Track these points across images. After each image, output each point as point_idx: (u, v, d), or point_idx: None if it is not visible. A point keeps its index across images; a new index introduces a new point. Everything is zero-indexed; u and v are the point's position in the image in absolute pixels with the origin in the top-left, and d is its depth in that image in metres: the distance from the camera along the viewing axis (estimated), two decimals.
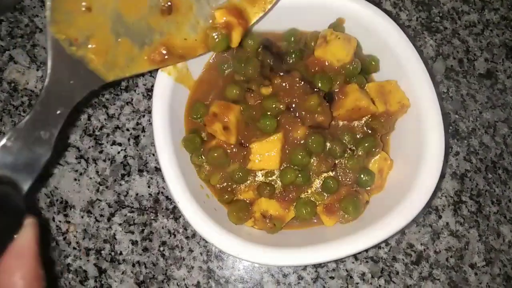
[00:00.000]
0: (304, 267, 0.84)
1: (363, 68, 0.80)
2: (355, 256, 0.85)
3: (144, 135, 0.93)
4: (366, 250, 0.87)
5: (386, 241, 0.86)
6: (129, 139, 0.91)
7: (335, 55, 0.78)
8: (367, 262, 0.86)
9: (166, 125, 0.74)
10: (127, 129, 0.91)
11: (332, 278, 0.85)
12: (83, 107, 0.91)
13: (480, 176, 0.93)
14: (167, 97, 0.75)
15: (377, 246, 0.86)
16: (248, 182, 0.75)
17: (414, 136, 0.75)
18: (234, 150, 0.76)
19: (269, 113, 0.75)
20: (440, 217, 0.89)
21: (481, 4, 1.06)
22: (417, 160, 0.73)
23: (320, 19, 0.81)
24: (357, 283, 0.84)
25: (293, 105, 0.75)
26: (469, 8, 1.03)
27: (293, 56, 0.80)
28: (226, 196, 0.74)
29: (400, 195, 0.72)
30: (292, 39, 0.83)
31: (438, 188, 0.92)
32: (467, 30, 1.03)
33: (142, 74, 0.97)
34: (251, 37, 0.80)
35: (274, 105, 0.74)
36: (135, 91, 0.96)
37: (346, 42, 0.78)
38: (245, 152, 0.75)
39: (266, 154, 0.74)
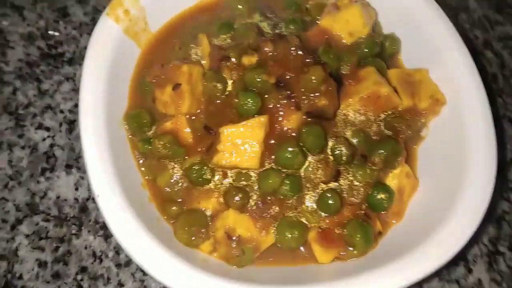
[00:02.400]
0: None
1: (381, 50, 0.68)
2: None
3: None
4: None
5: None
6: (61, 124, 0.81)
7: (347, 25, 0.65)
8: None
9: (100, 88, 0.59)
10: (61, 111, 0.82)
11: None
12: (9, 77, 0.83)
13: None
14: (110, 50, 0.61)
15: None
16: (211, 185, 0.61)
17: (451, 147, 0.63)
18: (196, 137, 0.60)
19: (252, 89, 0.59)
20: (470, 270, 0.75)
21: None
22: (455, 181, 0.60)
23: None
24: None
25: (286, 80, 0.59)
26: (503, 19, 0.97)
27: (294, 25, 0.67)
28: (174, 208, 0.60)
29: (426, 229, 0.58)
30: (294, 8, 0.71)
31: None
32: (501, 42, 0.94)
33: None
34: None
35: (259, 78, 0.59)
36: (80, 65, 0.81)
37: (364, 10, 0.65)
38: (212, 143, 0.59)
39: (241, 145, 0.57)
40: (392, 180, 0.63)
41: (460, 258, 0.76)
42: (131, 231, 0.53)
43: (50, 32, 0.87)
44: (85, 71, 0.60)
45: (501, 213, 0.79)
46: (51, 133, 0.79)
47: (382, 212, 0.62)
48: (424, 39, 0.67)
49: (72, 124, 0.79)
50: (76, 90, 0.82)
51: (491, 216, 0.79)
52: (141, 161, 0.63)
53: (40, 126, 0.79)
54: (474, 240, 0.77)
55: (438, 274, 0.74)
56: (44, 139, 0.79)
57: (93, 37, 0.62)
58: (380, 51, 0.68)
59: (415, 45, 0.69)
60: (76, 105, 0.80)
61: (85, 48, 0.79)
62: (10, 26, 0.86)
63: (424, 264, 0.55)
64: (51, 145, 0.78)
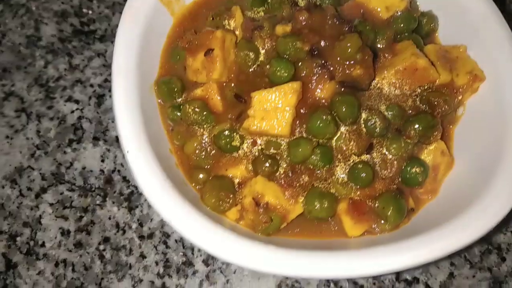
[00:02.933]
0: None
1: (418, 27, 0.66)
2: None
3: (110, 96, 0.77)
4: None
5: (426, 283, 0.70)
6: (90, 98, 0.81)
7: (384, 0, 0.63)
8: None
9: (133, 51, 0.59)
10: (91, 85, 0.82)
11: None
12: (41, 51, 0.84)
13: None
14: (143, 16, 0.61)
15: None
16: (240, 152, 0.60)
17: (490, 126, 0.60)
18: (226, 104, 0.59)
19: (286, 56, 0.58)
20: (503, 259, 0.73)
21: None
22: (492, 162, 0.58)
23: None
24: None
25: (321, 48, 0.57)
26: None
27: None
28: (201, 175, 0.59)
29: (458, 207, 0.57)
30: None
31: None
32: None
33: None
34: None
35: (293, 45, 0.58)
36: (112, 42, 0.85)
37: None
38: (242, 111, 0.58)
39: (273, 111, 0.56)
40: (427, 156, 0.61)
41: (493, 246, 0.74)
42: (159, 187, 0.52)
43: (84, 10, 0.88)
44: (119, 33, 0.60)
45: None
46: (80, 106, 0.79)
47: (416, 188, 0.60)
48: (462, 16, 0.65)
49: (101, 98, 0.80)
50: (106, 66, 0.82)
51: None
52: (170, 127, 0.62)
53: (69, 99, 0.80)
54: (508, 227, 0.75)
55: (470, 261, 0.72)
56: (72, 112, 0.79)
57: (128, 2, 0.61)
58: (417, 27, 0.65)
59: (453, 23, 0.67)
60: (106, 80, 0.81)
61: (117, 26, 0.80)
62: (45, 3, 0.87)
63: (453, 239, 0.53)
64: (79, 118, 0.78)
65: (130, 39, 0.59)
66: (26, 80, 0.80)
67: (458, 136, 0.66)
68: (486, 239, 0.74)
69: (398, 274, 0.71)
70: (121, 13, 0.82)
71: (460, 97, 0.62)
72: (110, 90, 0.81)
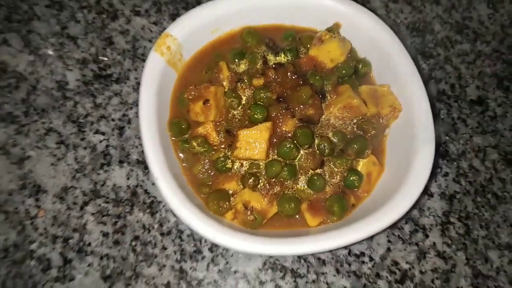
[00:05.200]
0: (283, 276, 0.81)
1: (356, 71, 0.81)
2: (337, 269, 0.82)
3: (129, 127, 0.91)
4: (349, 264, 0.83)
5: (370, 256, 0.84)
6: (113, 129, 0.90)
7: (329, 54, 0.79)
8: (349, 276, 0.82)
9: (152, 104, 0.73)
10: (113, 120, 0.91)
11: None
12: (70, 93, 0.92)
13: (469, 199, 0.91)
14: (157, 76, 0.75)
15: (361, 261, 0.83)
16: (232, 172, 0.75)
17: (404, 144, 0.75)
18: (220, 138, 0.74)
19: (260, 103, 0.74)
20: (427, 236, 0.87)
21: (473, 35, 1.09)
22: (405, 168, 0.72)
23: (320, 19, 0.83)
24: None
25: (284, 96, 0.74)
26: (462, 38, 1.08)
27: (290, 54, 0.81)
28: (205, 189, 0.73)
29: (384, 201, 0.71)
30: (290, 39, 0.84)
31: (425, 206, 0.90)
32: (459, 58, 1.06)
33: (135, 68, 0.97)
34: (253, 34, 0.82)
35: (265, 95, 0.74)
36: (125, 83, 0.95)
37: (341, 43, 0.79)
38: (231, 142, 0.74)
39: (253, 143, 0.72)
40: (363, 166, 0.75)
41: (419, 226, 0.86)
42: (177, 200, 0.66)
43: (100, 57, 0.97)
44: (142, 91, 0.72)
45: (453, 192, 0.91)
46: (106, 136, 0.88)
47: (355, 190, 0.75)
48: (386, 61, 0.79)
49: (121, 129, 0.89)
50: (123, 103, 0.91)
51: (445, 194, 0.91)
52: (181, 155, 0.75)
53: (97, 131, 0.89)
54: (431, 213, 0.88)
55: (402, 238, 0.84)
56: (101, 141, 0.88)
57: (146, 68, 0.74)
58: (354, 71, 0.80)
59: (381, 66, 0.81)
60: (124, 115, 0.90)
61: (128, 70, 0.91)
62: (67, 52, 0.96)
63: (379, 223, 0.68)
64: (107, 146, 0.87)
65: (150, 94, 0.72)
66: (61, 118, 0.89)
67: (388, 150, 0.79)
68: (414, 222, 0.87)
69: (349, 250, 0.82)
70: (130, 58, 0.94)
71: (386, 122, 0.78)
72: (128, 123, 0.90)
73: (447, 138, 0.97)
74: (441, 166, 0.94)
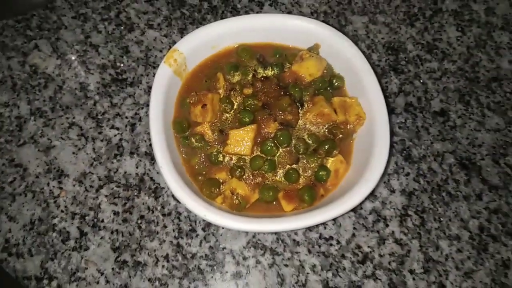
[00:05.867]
0: (263, 253, 0.89)
1: (331, 84, 0.94)
2: (309, 249, 0.90)
3: (140, 124, 1.03)
4: (319, 246, 0.95)
5: (337, 240, 0.91)
6: (126, 126, 0.99)
7: (308, 70, 0.92)
8: (319, 256, 0.90)
9: (160, 107, 0.87)
10: (126, 117, 1.01)
11: (286, 266, 0.89)
12: (91, 93, 1.02)
13: (426, 196, 0.98)
14: (165, 84, 0.88)
15: (329, 244, 0.91)
16: (223, 164, 0.85)
17: (367, 145, 0.84)
18: (214, 136, 0.88)
19: (248, 108, 0.87)
20: (387, 225, 0.93)
21: (442, 55, 1.22)
22: (364, 166, 0.81)
23: (304, 39, 0.95)
24: (308, 273, 0.88)
25: (268, 104, 0.88)
26: (431, 57, 1.16)
27: (276, 68, 0.95)
28: (200, 177, 0.83)
29: (346, 192, 0.80)
30: (278, 56, 0.97)
31: (388, 200, 1.00)
32: (427, 74, 1.13)
33: (147, 74, 1.11)
34: (247, 50, 0.94)
35: (252, 102, 0.87)
36: (138, 86, 1.06)
37: (318, 62, 0.92)
38: (223, 140, 0.87)
39: (241, 141, 0.85)
40: (331, 164, 0.84)
41: (381, 217, 0.93)
42: (178, 186, 0.75)
43: (117, 64, 1.06)
44: (152, 96, 0.82)
45: (412, 190, 0.98)
46: (120, 131, 0.97)
47: (324, 183, 0.83)
48: (356, 77, 0.88)
49: (133, 126, 0.98)
50: (135, 103, 1.01)
51: (405, 191, 0.99)
52: (182, 149, 0.84)
53: (112, 127, 0.98)
54: (392, 206, 0.96)
55: (366, 226, 0.91)
56: (115, 135, 0.97)
57: (156, 76, 0.84)
58: (329, 85, 0.92)
59: (352, 80, 0.90)
60: (136, 114, 1.00)
61: (141, 75, 1.05)
62: (90, 58, 1.07)
63: (342, 206, 0.76)
64: (120, 139, 0.96)
65: (158, 98, 0.82)
66: (82, 114, 0.98)
67: (355, 151, 0.88)
68: (377, 213, 0.94)
69: (320, 234, 0.90)
70: (143, 65, 1.05)
71: (353, 128, 0.89)
72: (139, 120, 0.99)
73: (410, 143, 1.08)
74: (403, 167, 1.04)
